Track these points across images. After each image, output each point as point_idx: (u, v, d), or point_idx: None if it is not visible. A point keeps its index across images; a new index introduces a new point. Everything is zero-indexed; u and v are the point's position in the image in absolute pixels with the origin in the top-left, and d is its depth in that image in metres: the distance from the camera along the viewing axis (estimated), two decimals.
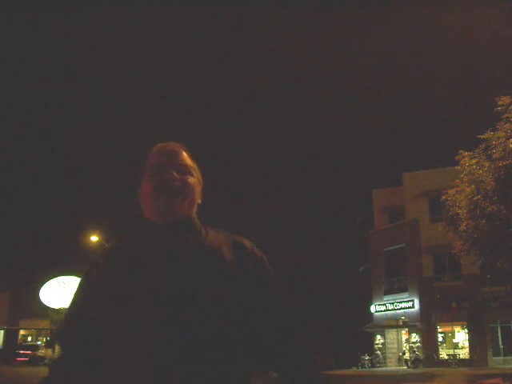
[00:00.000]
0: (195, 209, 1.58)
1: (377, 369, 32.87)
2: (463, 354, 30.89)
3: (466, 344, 30.94)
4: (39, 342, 46.49)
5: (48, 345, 43.06)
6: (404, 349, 33.33)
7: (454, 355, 30.78)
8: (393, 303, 33.80)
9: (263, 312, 1.47)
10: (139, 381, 1.31)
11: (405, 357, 32.19)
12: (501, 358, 29.52)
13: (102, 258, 1.53)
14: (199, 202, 1.60)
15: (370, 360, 35.24)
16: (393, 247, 34.35)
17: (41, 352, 44.88)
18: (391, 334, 34.25)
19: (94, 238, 30.88)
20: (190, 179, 1.53)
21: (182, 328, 1.34)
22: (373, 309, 35.34)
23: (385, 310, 34.46)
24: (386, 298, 34.43)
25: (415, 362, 30.43)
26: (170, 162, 1.53)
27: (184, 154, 1.58)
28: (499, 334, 30.17)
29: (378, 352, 34.76)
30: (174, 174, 1.50)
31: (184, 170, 1.53)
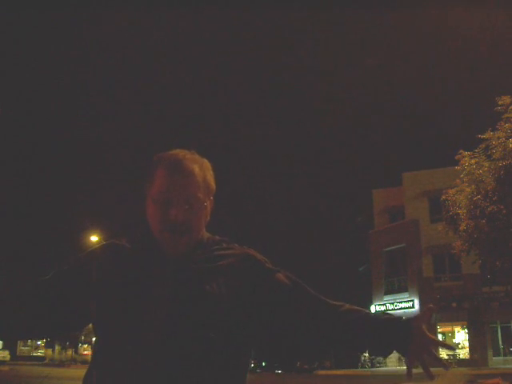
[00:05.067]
0: (203, 228, 1.54)
1: (377, 369, 32.87)
2: (463, 354, 30.87)
3: (466, 344, 30.93)
4: (39, 342, 46.50)
5: (48, 345, 43.07)
6: None
7: (454, 355, 30.76)
8: (393, 303, 33.80)
9: (301, 311, 1.50)
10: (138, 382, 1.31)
11: None
12: (501, 358, 29.51)
13: (104, 254, 1.50)
14: (208, 218, 1.54)
15: (370, 359, 35.24)
16: (393, 247, 34.34)
17: (41, 352, 44.91)
18: None
19: (94, 238, 30.89)
20: (199, 212, 1.46)
21: (187, 341, 1.33)
22: (373, 309, 35.32)
23: (385, 310, 34.44)
24: (386, 298, 34.43)
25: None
26: (178, 192, 1.42)
27: (194, 171, 1.46)
28: (499, 334, 30.17)
29: None
30: (180, 208, 1.42)
31: (193, 202, 1.44)
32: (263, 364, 45.96)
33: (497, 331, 30.27)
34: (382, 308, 34.61)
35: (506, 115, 15.22)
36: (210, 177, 1.53)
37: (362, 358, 36.10)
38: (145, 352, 1.31)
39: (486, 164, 15.55)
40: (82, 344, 38.64)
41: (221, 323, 1.38)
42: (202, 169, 1.49)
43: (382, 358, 34.49)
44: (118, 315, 1.36)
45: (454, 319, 30.62)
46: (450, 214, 16.73)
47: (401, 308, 33.20)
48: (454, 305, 30.59)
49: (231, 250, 1.53)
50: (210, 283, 1.41)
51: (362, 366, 35.26)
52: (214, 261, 1.47)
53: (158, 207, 1.43)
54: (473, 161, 15.87)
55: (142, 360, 1.31)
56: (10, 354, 39.88)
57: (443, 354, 31.55)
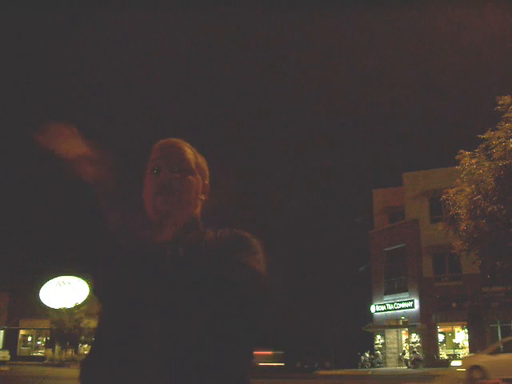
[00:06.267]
0: (199, 207, 1.56)
1: (377, 369, 32.87)
2: (463, 354, 30.87)
3: (466, 344, 30.93)
4: (39, 342, 46.48)
5: (48, 345, 43.04)
6: (404, 349, 33.32)
7: (454, 355, 30.76)
8: (393, 303, 33.80)
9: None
10: (139, 379, 1.32)
11: (405, 357, 32.17)
12: None
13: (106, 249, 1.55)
14: (203, 198, 1.58)
15: (370, 359, 35.23)
16: (393, 247, 34.35)
17: (41, 352, 44.89)
18: (391, 334, 34.24)
19: None
20: (189, 177, 1.51)
21: (183, 327, 1.34)
22: (373, 309, 35.33)
23: (385, 310, 34.45)
24: (386, 297, 34.43)
25: (415, 362, 30.40)
26: (168, 159, 1.51)
27: (184, 149, 1.55)
28: (499, 334, 30.15)
29: (378, 352, 34.76)
30: (170, 172, 1.49)
31: (182, 168, 1.51)
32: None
33: (497, 331, 30.27)
34: (382, 308, 34.63)
35: (507, 115, 15.21)
36: (203, 162, 1.60)
37: (362, 358, 36.09)
38: (143, 348, 1.33)
39: (486, 164, 15.53)
40: (82, 344, 38.61)
41: (216, 305, 1.38)
42: (193, 151, 1.58)
43: (381, 358, 34.50)
44: (120, 303, 1.39)
45: (454, 319, 30.63)
46: (450, 214, 16.71)
47: (401, 308, 33.21)
48: (454, 305, 30.60)
49: (227, 236, 1.51)
50: (204, 268, 1.41)
51: (362, 366, 35.24)
52: (208, 247, 1.47)
53: (150, 177, 1.51)
54: (473, 161, 15.85)
55: (142, 353, 1.32)
56: (10, 354, 39.89)
57: (443, 354, 31.62)
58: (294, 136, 69.17)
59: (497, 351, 17.53)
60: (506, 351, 17.20)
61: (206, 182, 1.60)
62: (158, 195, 1.47)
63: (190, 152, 1.55)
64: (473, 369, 16.88)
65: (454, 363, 19.89)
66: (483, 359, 17.23)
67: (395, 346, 33.88)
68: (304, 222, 63.66)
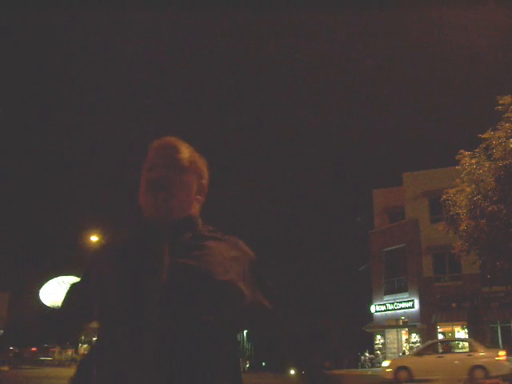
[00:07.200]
0: (195, 207, 1.56)
1: (377, 369, 32.85)
2: None
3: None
4: None
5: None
6: (404, 349, 33.30)
7: None
8: (393, 303, 33.78)
9: (257, 316, 1.54)
10: (138, 376, 1.32)
11: None
12: None
13: (100, 254, 1.54)
14: (199, 198, 1.57)
15: (370, 359, 35.22)
16: (393, 247, 34.33)
17: None
18: (391, 334, 34.22)
19: (94, 238, 30.90)
20: (182, 176, 1.50)
21: (180, 327, 1.35)
22: (373, 309, 35.31)
23: (385, 310, 34.44)
24: (386, 297, 34.41)
25: None
26: (162, 158, 1.50)
27: (179, 148, 1.54)
28: (499, 334, 30.15)
29: (378, 352, 34.75)
30: (163, 170, 1.48)
31: (176, 167, 1.50)
32: (263, 364, 45.95)
33: (497, 331, 30.25)
34: (382, 308, 34.62)
35: (507, 115, 15.21)
36: (200, 162, 1.60)
37: (362, 358, 36.07)
38: (142, 341, 1.33)
39: (486, 164, 15.54)
40: (82, 344, 38.64)
41: (213, 306, 1.40)
42: (190, 150, 1.57)
43: (381, 358, 34.48)
44: (115, 304, 1.40)
45: (454, 319, 30.60)
46: (450, 213, 16.71)
47: (401, 308, 33.20)
48: (454, 305, 30.57)
49: (224, 238, 1.55)
50: (203, 267, 1.42)
51: (362, 366, 35.24)
52: (207, 246, 1.48)
53: (144, 175, 1.51)
54: (473, 161, 15.86)
55: (141, 347, 1.33)
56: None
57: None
58: (294, 136, 69.19)
59: (422, 353, 18.38)
60: (430, 353, 18.01)
61: (203, 182, 1.59)
62: (148, 191, 1.48)
63: (185, 151, 1.55)
64: (400, 369, 17.60)
65: (384, 363, 20.39)
66: (410, 360, 18.27)
67: (395, 345, 33.86)
68: (304, 221, 63.63)
